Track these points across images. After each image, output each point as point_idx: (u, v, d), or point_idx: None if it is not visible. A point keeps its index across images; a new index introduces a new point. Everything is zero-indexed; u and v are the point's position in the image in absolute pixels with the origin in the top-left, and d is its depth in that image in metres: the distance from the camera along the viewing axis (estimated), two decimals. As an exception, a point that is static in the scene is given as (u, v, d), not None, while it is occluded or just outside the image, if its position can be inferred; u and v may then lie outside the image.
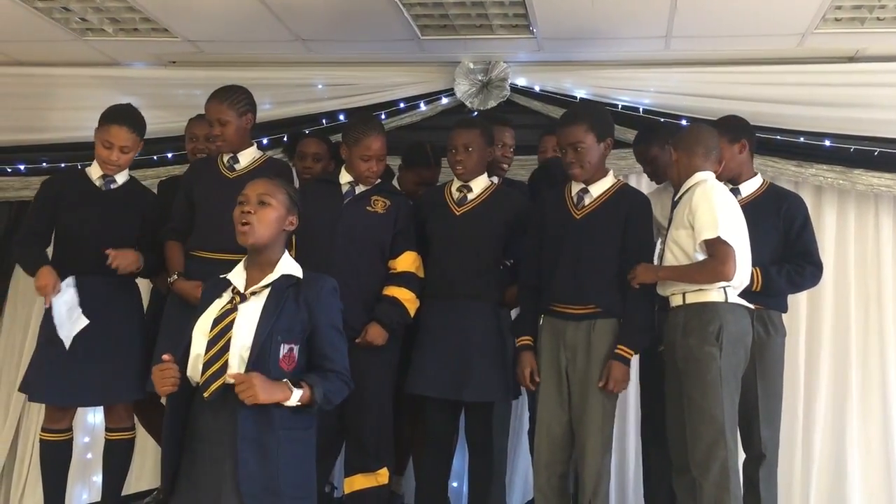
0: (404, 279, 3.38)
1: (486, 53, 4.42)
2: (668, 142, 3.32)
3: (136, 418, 3.64)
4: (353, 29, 4.18)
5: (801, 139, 4.19)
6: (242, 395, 2.33)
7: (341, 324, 2.62)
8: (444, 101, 4.56)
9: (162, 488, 2.54)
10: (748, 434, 3.36)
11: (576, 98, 4.40)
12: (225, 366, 2.40)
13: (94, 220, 3.41)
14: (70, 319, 3.33)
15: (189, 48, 4.54)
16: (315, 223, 3.36)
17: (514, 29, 4.15)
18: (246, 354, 2.41)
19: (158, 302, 3.75)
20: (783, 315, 3.49)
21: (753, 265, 3.17)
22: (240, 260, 2.65)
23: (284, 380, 2.41)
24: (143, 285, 3.72)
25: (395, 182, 4.01)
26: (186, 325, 2.57)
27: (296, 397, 2.40)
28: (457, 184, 3.48)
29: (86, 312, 3.38)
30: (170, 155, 4.61)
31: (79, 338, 3.36)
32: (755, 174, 3.56)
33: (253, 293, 2.51)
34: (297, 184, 3.79)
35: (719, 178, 3.34)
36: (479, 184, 3.47)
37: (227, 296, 2.54)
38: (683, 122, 4.17)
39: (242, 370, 2.39)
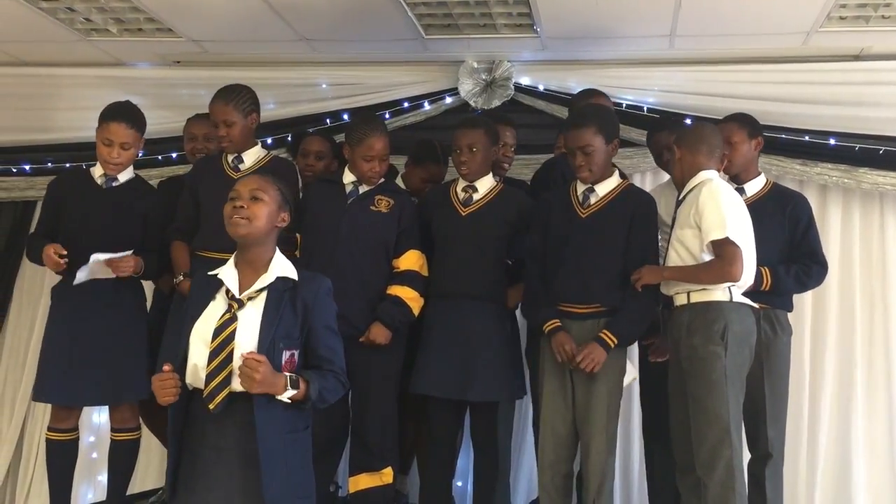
0: (408, 278, 3.38)
1: (490, 53, 4.42)
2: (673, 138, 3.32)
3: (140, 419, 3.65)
4: (357, 28, 4.19)
5: (806, 138, 4.18)
6: (242, 380, 2.32)
7: (336, 323, 2.60)
8: (448, 100, 4.56)
9: (167, 495, 2.54)
10: (754, 433, 3.36)
11: (580, 97, 4.39)
12: (229, 377, 2.38)
13: (96, 219, 3.42)
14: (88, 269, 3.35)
15: (193, 48, 4.54)
16: (319, 223, 3.37)
17: (517, 28, 4.15)
18: None
19: (161, 302, 3.77)
20: (788, 314, 3.48)
21: (761, 265, 3.16)
22: None
23: (286, 374, 2.41)
24: (146, 285, 3.73)
25: (399, 180, 4.01)
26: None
27: (288, 395, 2.39)
28: (462, 183, 3.48)
29: (90, 311, 3.39)
30: (174, 155, 4.61)
31: (84, 338, 3.37)
32: (759, 173, 3.56)
33: (250, 298, 2.48)
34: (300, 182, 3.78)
35: (729, 170, 3.38)
36: (485, 184, 3.47)
37: (221, 299, 2.50)
38: (687, 122, 4.16)
39: None
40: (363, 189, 3.44)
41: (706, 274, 3.00)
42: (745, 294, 3.07)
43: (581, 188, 3.25)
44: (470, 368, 3.29)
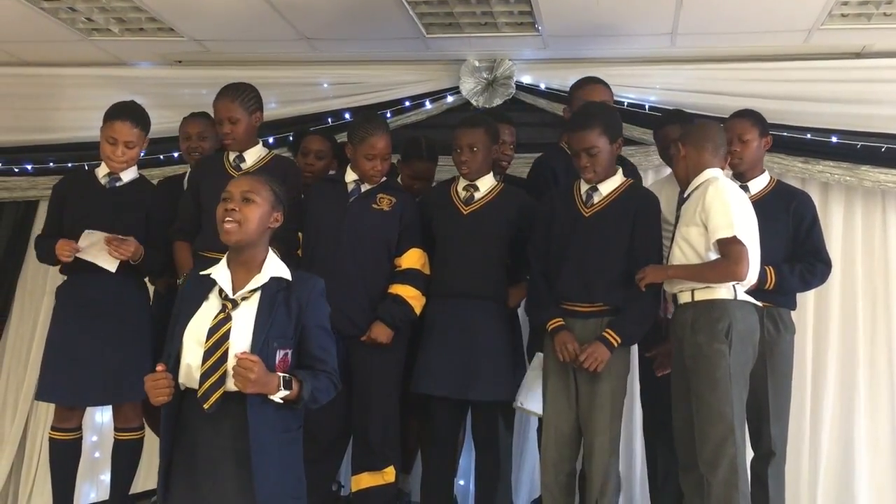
0: (409, 276, 3.38)
1: (492, 51, 4.42)
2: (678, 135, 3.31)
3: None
4: (359, 27, 4.19)
5: (808, 136, 4.18)
6: (236, 379, 2.32)
7: (329, 324, 2.60)
8: (450, 99, 4.56)
9: (158, 495, 2.54)
10: (758, 432, 3.35)
11: (581, 96, 4.39)
12: (224, 376, 2.38)
13: (98, 218, 3.42)
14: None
15: (195, 47, 4.55)
16: (321, 222, 3.37)
17: (519, 27, 4.15)
18: None
19: (158, 302, 3.77)
20: (792, 312, 3.49)
21: (765, 263, 3.16)
22: None
23: (280, 374, 2.41)
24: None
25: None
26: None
27: (281, 395, 2.39)
28: (463, 182, 3.48)
29: (93, 311, 3.40)
30: (176, 154, 4.61)
31: (87, 337, 3.38)
32: (763, 171, 3.56)
33: (244, 298, 2.48)
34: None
35: (738, 166, 3.41)
36: (486, 183, 3.47)
37: (215, 299, 2.50)
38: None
39: None
40: (365, 188, 3.44)
41: (712, 273, 2.99)
42: (749, 292, 3.07)
43: (584, 187, 3.24)
44: (472, 367, 3.29)
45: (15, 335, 4.99)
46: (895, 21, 3.87)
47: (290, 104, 4.67)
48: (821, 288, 3.73)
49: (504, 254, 3.43)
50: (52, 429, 3.54)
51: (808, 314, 4.17)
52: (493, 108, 4.40)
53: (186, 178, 3.93)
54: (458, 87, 4.50)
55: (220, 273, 2.53)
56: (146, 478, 4.38)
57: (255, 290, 2.49)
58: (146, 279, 3.70)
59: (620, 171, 3.27)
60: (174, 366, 2.45)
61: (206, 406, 2.38)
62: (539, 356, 3.32)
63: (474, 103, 4.48)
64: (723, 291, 3.00)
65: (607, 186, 3.22)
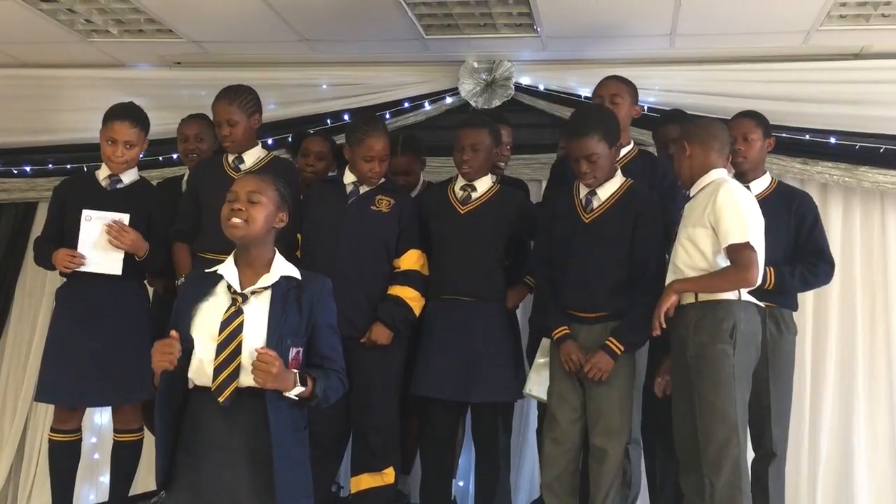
0: (408, 278, 3.38)
1: (491, 52, 4.42)
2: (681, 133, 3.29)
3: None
4: (357, 29, 4.19)
5: (807, 136, 4.18)
6: (256, 374, 2.31)
7: (336, 323, 2.60)
8: (449, 100, 4.56)
9: (156, 485, 2.54)
10: (759, 433, 3.36)
11: (580, 97, 4.39)
12: (238, 369, 2.37)
13: None
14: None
15: (194, 49, 4.55)
16: (320, 224, 3.37)
17: (518, 28, 4.15)
18: None
19: (157, 304, 3.77)
20: (793, 313, 3.49)
21: (766, 264, 3.15)
22: None
23: (295, 371, 2.41)
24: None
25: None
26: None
27: (297, 391, 2.39)
28: (460, 182, 3.49)
29: (93, 312, 3.40)
30: (175, 156, 4.61)
31: (87, 339, 3.38)
32: (765, 172, 3.57)
33: (254, 293, 2.47)
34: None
35: (742, 165, 3.44)
36: (484, 183, 3.47)
37: (223, 293, 2.49)
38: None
39: None
40: (364, 189, 3.45)
41: (723, 281, 2.95)
42: (751, 293, 3.06)
43: (583, 192, 3.22)
44: (471, 369, 3.29)
45: (14, 336, 4.98)
46: (894, 22, 3.87)
47: (290, 105, 4.67)
48: (820, 288, 3.74)
49: (501, 254, 3.43)
50: (52, 430, 3.54)
51: (808, 315, 4.17)
52: (492, 108, 4.39)
53: (185, 180, 3.93)
54: (457, 89, 4.50)
55: (228, 269, 2.53)
56: (146, 480, 4.38)
57: (266, 288, 2.49)
58: (145, 281, 3.70)
59: (619, 172, 3.25)
60: (181, 362, 2.41)
61: (220, 399, 2.37)
62: (546, 341, 3.31)
63: (473, 104, 4.48)
64: (727, 292, 2.99)
65: (606, 190, 3.19)
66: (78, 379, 3.37)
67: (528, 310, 3.82)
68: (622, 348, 3.07)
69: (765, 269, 3.17)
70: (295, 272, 2.56)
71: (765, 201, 3.39)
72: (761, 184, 3.52)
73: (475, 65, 4.47)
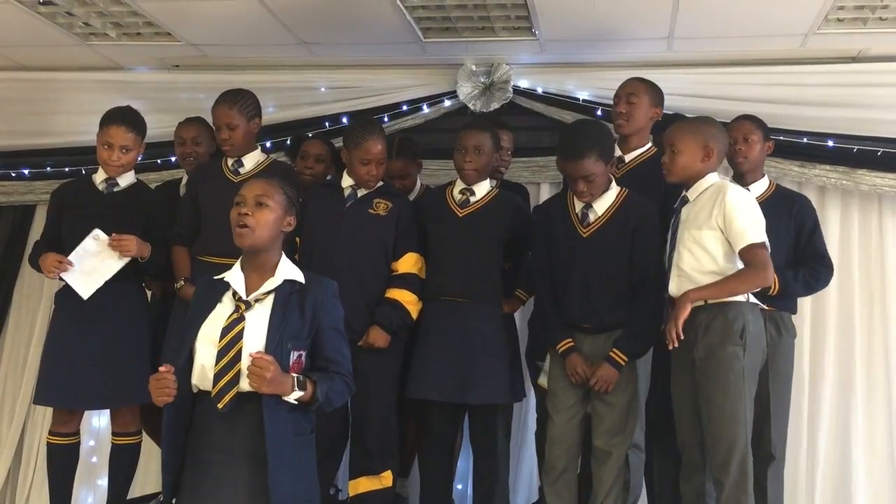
0: (406, 281, 3.38)
1: (489, 55, 4.42)
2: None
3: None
4: (356, 32, 4.19)
5: (805, 140, 4.18)
6: (251, 379, 2.32)
7: (343, 326, 2.61)
8: (447, 103, 4.56)
9: (163, 496, 2.54)
10: (758, 435, 3.35)
11: (578, 100, 4.40)
12: (238, 375, 2.39)
13: (96, 224, 3.41)
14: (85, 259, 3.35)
15: (192, 52, 4.55)
16: (318, 227, 3.38)
17: (516, 31, 4.15)
18: None
19: (154, 306, 3.77)
20: (792, 316, 3.50)
21: None
22: None
23: (294, 375, 2.41)
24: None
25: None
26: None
27: (295, 396, 2.40)
28: (459, 186, 3.48)
29: (91, 315, 3.40)
30: (173, 159, 4.61)
31: (86, 341, 3.38)
32: (763, 175, 3.58)
33: (257, 300, 2.49)
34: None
35: (741, 165, 3.49)
36: (482, 187, 3.47)
37: (228, 301, 2.51)
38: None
39: None
40: (361, 192, 3.45)
41: (741, 284, 2.93)
42: (755, 295, 3.06)
43: (579, 206, 3.21)
44: (469, 371, 3.29)
45: (12, 339, 4.98)
46: (891, 25, 3.88)
47: (288, 108, 4.66)
48: (819, 292, 3.74)
49: (500, 257, 3.43)
50: (50, 433, 3.54)
51: (806, 318, 4.17)
52: (492, 112, 4.39)
53: (184, 184, 3.93)
54: (455, 92, 4.50)
55: (234, 276, 2.55)
56: (143, 483, 4.38)
57: (269, 293, 2.50)
58: (153, 275, 3.70)
59: (614, 183, 3.23)
60: (184, 368, 2.45)
61: (219, 405, 2.38)
62: None
63: (471, 107, 4.48)
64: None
65: (602, 204, 3.18)
66: (76, 381, 3.37)
67: (526, 313, 3.82)
68: (626, 359, 3.08)
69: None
70: (299, 275, 2.57)
71: (764, 205, 3.37)
72: (760, 186, 3.53)
73: (473, 68, 4.47)
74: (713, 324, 2.95)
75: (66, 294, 3.49)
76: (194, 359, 2.46)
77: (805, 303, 4.10)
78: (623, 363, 3.08)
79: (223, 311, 2.49)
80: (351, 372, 2.58)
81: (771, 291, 3.25)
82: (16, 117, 4.87)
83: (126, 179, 3.55)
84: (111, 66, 4.81)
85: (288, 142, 4.48)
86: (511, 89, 4.46)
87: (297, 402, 2.42)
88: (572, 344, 3.15)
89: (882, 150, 4.10)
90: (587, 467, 3.23)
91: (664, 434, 3.25)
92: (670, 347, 2.94)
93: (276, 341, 2.43)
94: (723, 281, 2.94)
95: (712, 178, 3.07)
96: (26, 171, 4.90)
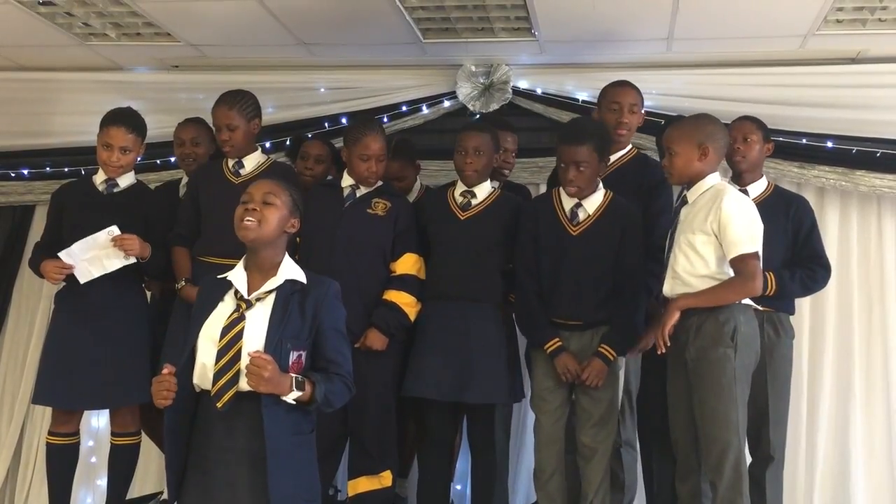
0: (404, 282, 3.38)
1: (488, 56, 4.43)
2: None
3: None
4: (355, 32, 4.19)
5: (804, 140, 4.19)
6: (249, 378, 2.33)
7: (345, 328, 2.62)
8: (447, 104, 4.56)
9: (168, 496, 2.55)
10: (757, 436, 3.37)
11: (578, 101, 4.40)
12: (237, 375, 2.39)
13: (96, 225, 3.41)
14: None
15: (192, 52, 4.55)
16: (316, 227, 3.37)
17: (515, 32, 4.16)
18: None
19: (154, 307, 3.77)
20: (791, 317, 3.50)
21: (765, 269, 3.15)
22: None
23: (292, 375, 2.42)
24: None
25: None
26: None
27: (293, 396, 2.40)
28: (460, 188, 3.48)
29: (91, 315, 3.40)
30: (173, 159, 4.61)
31: (85, 341, 3.38)
32: (762, 176, 3.58)
33: (258, 299, 2.50)
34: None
35: (740, 164, 3.49)
36: (483, 189, 3.47)
37: (230, 300, 2.52)
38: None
39: None
40: (360, 192, 3.45)
41: (729, 293, 2.94)
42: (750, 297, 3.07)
43: (568, 204, 3.25)
44: (468, 370, 3.29)
45: (11, 339, 4.98)
46: (890, 26, 3.89)
47: (288, 109, 4.67)
48: (817, 293, 3.75)
49: (501, 259, 3.42)
50: (50, 433, 3.54)
51: (805, 318, 4.17)
52: (494, 113, 4.39)
53: (185, 185, 3.93)
54: (454, 92, 4.50)
55: (237, 275, 2.56)
56: (143, 483, 4.38)
57: (270, 292, 2.51)
58: (153, 274, 3.69)
59: (601, 184, 3.28)
60: (186, 368, 2.45)
61: (218, 405, 2.39)
62: None
63: (471, 108, 4.48)
64: None
65: (591, 203, 3.24)
66: (76, 381, 3.38)
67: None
68: (614, 354, 3.14)
69: (765, 275, 3.19)
70: (301, 276, 2.57)
71: (762, 205, 3.38)
72: (758, 187, 3.54)
73: (473, 68, 4.47)
74: (704, 325, 2.96)
75: (65, 294, 3.50)
76: (196, 358, 2.47)
77: (804, 304, 4.10)
78: (612, 358, 3.13)
79: (225, 309, 2.50)
80: (351, 373, 2.58)
81: (767, 292, 3.26)
82: (15, 117, 4.87)
83: (126, 180, 3.56)
84: (111, 67, 4.81)
85: (287, 142, 4.49)
86: (510, 90, 4.47)
87: (295, 403, 2.42)
88: (561, 343, 3.19)
89: (881, 151, 4.11)
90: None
91: (663, 435, 3.25)
92: (658, 353, 2.98)
93: (276, 341, 2.43)
94: (710, 290, 2.96)
95: (712, 180, 3.07)
96: (25, 172, 4.90)
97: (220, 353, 2.41)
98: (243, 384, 2.39)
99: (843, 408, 4.21)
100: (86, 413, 3.96)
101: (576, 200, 3.25)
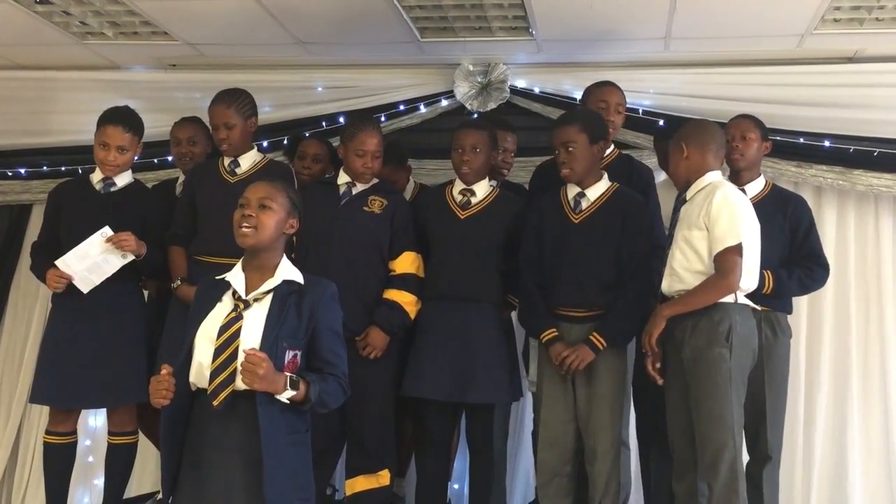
0: (404, 281, 3.38)
1: (486, 55, 4.43)
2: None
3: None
4: (353, 31, 4.19)
5: (801, 140, 4.19)
6: (243, 375, 2.34)
7: (341, 329, 2.62)
8: (444, 103, 4.56)
9: (162, 494, 2.55)
10: (754, 436, 3.37)
11: (576, 100, 4.38)
12: (233, 374, 2.40)
13: (93, 224, 3.40)
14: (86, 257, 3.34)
15: (189, 51, 4.54)
16: (312, 225, 3.36)
17: (513, 31, 4.16)
18: None
19: (151, 306, 3.77)
20: (788, 317, 3.50)
21: (763, 268, 3.16)
22: None
23: (287, 374, 2.42)
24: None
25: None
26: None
27: (287, 395, 2.41)
28: (459, 187, 3.48)
29: (89, 314, 3.40)
30: (170, 158, 4.60)
31: (83, 340, 3.38)
32: (759, 175, 3.58)
33: (256, 299, 2.51)
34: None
35: (738, 163, 3.48)
36: (482, 187, 3.47)
37: (228, 301, 2.53)
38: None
39: None
40: (356, 190, 3.45)
41: (708, 293, 2.96)
42: (747, 297, 3.07)
43: (571, 193, 3.26)
44: (468, 370, 3.29)
45: (8, 338, 4.97)
46: (887, 26, 3.89)
47: (285, 108, 4.66)
48: (814, 292, 3.75)
49: (500, 258, 3.42)
50: (47, 433, 3.53)
51: (802, 318, 4.17)
52: (494, 113, 4.38)
53: (181, 184, 3.93)
54: (452, 91, 4.50)
55: (235, 276, 2.57)
56: (140, 482, 4.38)
57: (267, 292, 2.52)
58: (149, 272, 3.69)
59: (606, 175, 3.29)
60: (183, 367, 2.46)
61: (214, 403, 2.39)
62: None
63: (468, 107, 4.48)
64: None
65: (594, 192, 3.24)
66: (73, 381, 3.37)
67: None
68: (604, 343, 3.11)
69: (762, 274, 3.19)
70: (298, 276, 2.59)
71: (759, 204, 3.40)
72: (756, 186, 3.54)
73: (470, 67, 4.47)
74: (699, 325, 2.97)
75: (63, 294, 3.49)
76: (193, 357, 2.48)
77: (801, 303, 4.11)
78: (601, 346, 3.10)
79: (222, 309, 2.51)
80: (346, 374, 2.58)
81: (765, 290, 3.26)
82: (12, 116, 4.86)
83: (123, 179, 3.55)
84: (108, 66, 4.80)
85: (285, 141, 4.49)
86: (508, 89, 4.47)
87: (289, 402, 2.43)
88: (556, 333, 3.18)
89: (878, 150, 4.11)
90: (584, 468, 3.23)
91: (660, 433, 3.25)
92: (645, 361, 3.03)
93: (272, 340, 2.44)
94: (690, 293, 2.99)
95: (710, 178, 3.10)
96: (23, 171, 4.89)
97: (217, 352, 2.42)
98: (239, 383, 2.40)
99: (840, 407, 4.21)
100: (83, 412, 3.96)
101: (578, 189, 3.25)
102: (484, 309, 3.37)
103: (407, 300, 3.35)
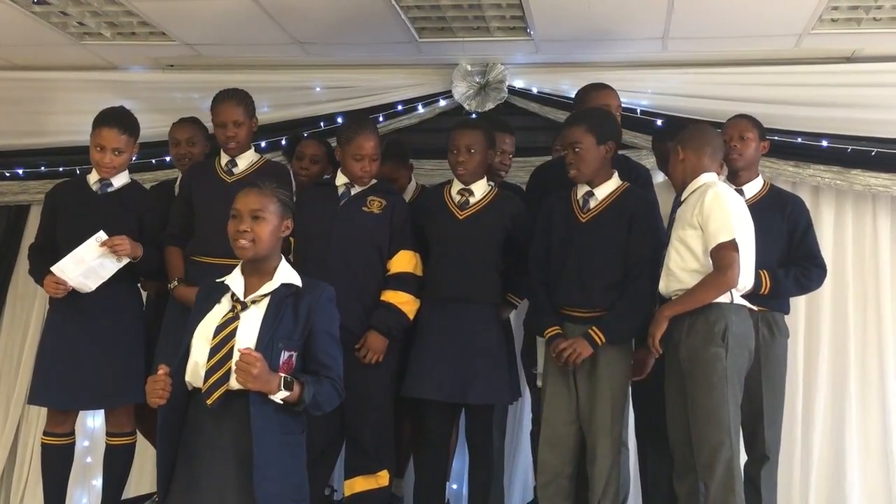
0: (400, 281, 3.37)
1: (484, 55, 4.43)
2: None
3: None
4: (351, 32, 4.19)
5: (799, 139, 4.20)
6: (237, 374, 2.35)
7: (337, 332, 2.63)
8: (442, 103, 4.56)
9: (157, 492, 2.56)
10: (752, 436, 3.37)
11: (573, 100, 4.39)
12: (228, 373, 2.42)
13: (90, 225, 3.39)
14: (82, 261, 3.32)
15: (187, 52, 4.54)
16: (311, 227, 3.36)
17: (511, 31, 4.16)
18: None
19: (150, 307, 3.77)
20: (785, 317, 3.50)
21: (760, 268, 3.17)
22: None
23: (281, 374, 2.43)
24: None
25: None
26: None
27: (280, 396, 2.42)
28: (457, 187, 3.48)
29: (87, 315, 3.39)
30: (168, 158, 4.60)
31: (81, 341, 3.38)
32: (757, 175, 3.58)
33: (254, 301, 2.53)
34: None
35: (736, 163, 3.47)
36: (480, 187, 3.46)
37: (226, 302, 2.55)
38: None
39: None
40: (355, 191, 3.44)
41: (707, 291, 2.97)
42: (744, 297, 3.07)
43: (581, 192, 3.26)
44: (467, 371, 3.29)
45: (6, 339, 4.97)
46: (885, 26, 3.89)
47: (283, 108, 4.66)
48: (812, 292, 3.75)
49: (499, 258, 3.43)
50: (45, 434, 3.53)
51: (800, 318, 4.18)
52: (492, 114, 4.37)
53: (178, 184, 3.93)
54: (450, 91, 4.50)
55: (234, 279, 2.60)
56: (138, 483, 4.38)
57: (265, 295, 2.54)
58: (146, 273, 3.68)
59: (616, 175, 3.29)
60: (180, 367, 2.48)
61: (208, 402, 2.41)
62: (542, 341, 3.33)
63: (466, 107, 4.48)
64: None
65: (603, 191, 3.23)
66: (71, 382, 3.37)
67: (521, 313, 3.81)
68: (602, 339, 3.10)
69: (759, 273, 3.20)
70: (296, 279, 2.60)
71: (758, 205, 3.42)
72: (754, 186, 3.54)
73: (468, 68, 4.47)
74: (695, 325, 2.98)
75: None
76: (189, 356, 2.50)
77: (799, 303, 4.11)
78: (599, 342, 3.09)
79: (220, 310, 2.54)
80: (341, 377, 2.60)
81: (762, 290, 3.26)
82: (10, 117, 4.86)
83: (120, 180, 3.55)
84: (105, 66, 4.80)
85: (283, 142, 4.48)
86: (506, 89, 4.47)
87: (283, 402, 2.43)
88: (559, 331, 3.17)
89: (876, 150, 4.11)
90: (584, 469, 3.23)
91: (659, 432, 3.25)
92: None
93: (267, 340, 2.46)
94: (689, 292, 3.00)
95: (705, 178, 3.12)
96: (20, 171, 4.89)
97: (213, 351, 2.44)
98: (234, 382, 2.41)
99: (838, 407, 4.21)
100: (81, 413, 3.96)
101: (587, 188, 3.25)
102: (483, 309, 3.37)
103: (403, 300, 3.35)
